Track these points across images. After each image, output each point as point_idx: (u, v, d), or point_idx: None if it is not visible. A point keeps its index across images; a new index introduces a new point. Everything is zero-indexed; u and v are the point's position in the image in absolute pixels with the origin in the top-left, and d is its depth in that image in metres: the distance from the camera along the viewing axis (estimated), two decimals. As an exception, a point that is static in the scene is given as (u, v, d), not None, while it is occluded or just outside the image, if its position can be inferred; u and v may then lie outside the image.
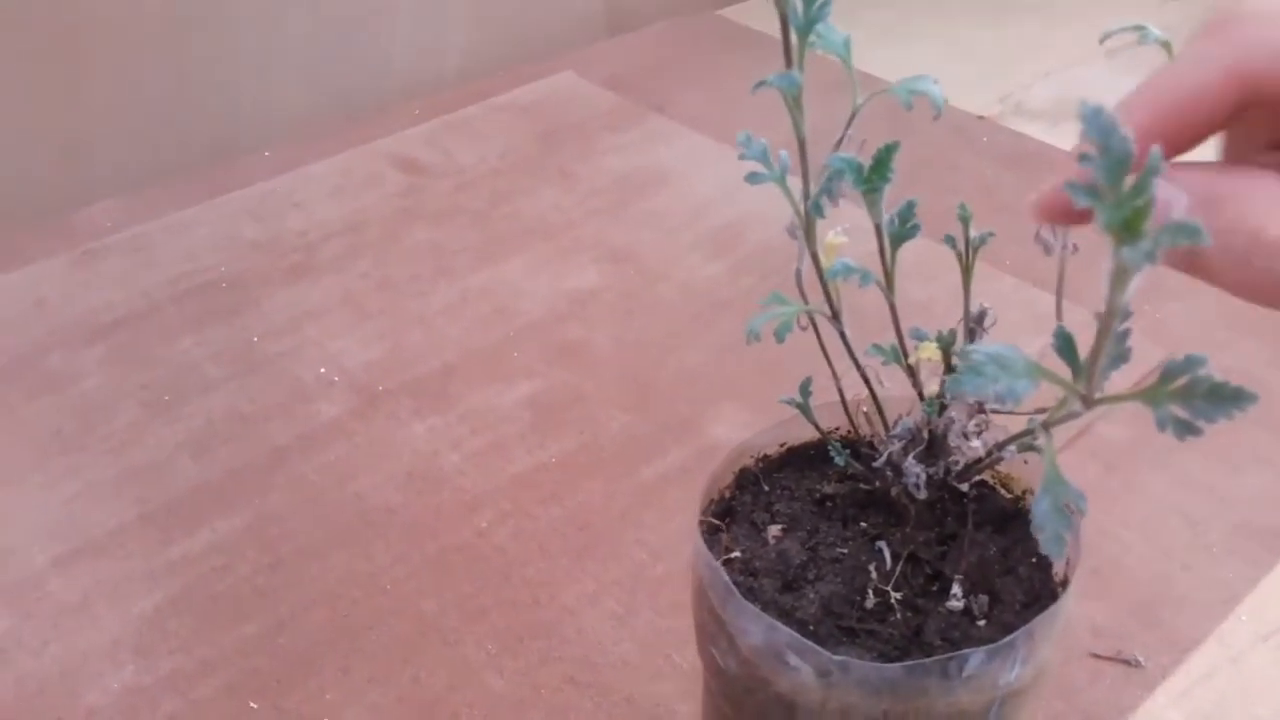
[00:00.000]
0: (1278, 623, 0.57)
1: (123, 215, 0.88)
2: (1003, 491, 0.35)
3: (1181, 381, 0.20)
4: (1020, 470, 0.34)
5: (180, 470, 0.65)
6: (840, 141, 0.28)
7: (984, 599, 0.31)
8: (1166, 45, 0.31)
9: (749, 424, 0.68)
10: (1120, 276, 0.19)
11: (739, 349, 0.74)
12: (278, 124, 1.01)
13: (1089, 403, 0.23)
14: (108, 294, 0.80)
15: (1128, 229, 0.18)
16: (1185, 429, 0.21)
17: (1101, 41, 0.30)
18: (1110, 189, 0.18)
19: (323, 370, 0.73)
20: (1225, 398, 0.20)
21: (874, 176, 0.26)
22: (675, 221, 0.87)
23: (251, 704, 0.53)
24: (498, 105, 1.03)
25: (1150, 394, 0.21)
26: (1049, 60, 1.11)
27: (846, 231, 0.28)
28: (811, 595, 0.30)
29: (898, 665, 0.27)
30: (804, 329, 0.30)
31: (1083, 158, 0.18)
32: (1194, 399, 0.20)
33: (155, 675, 0.54)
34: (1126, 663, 0.55)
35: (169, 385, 0.72)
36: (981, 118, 1.00)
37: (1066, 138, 0.97)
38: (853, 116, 0.28)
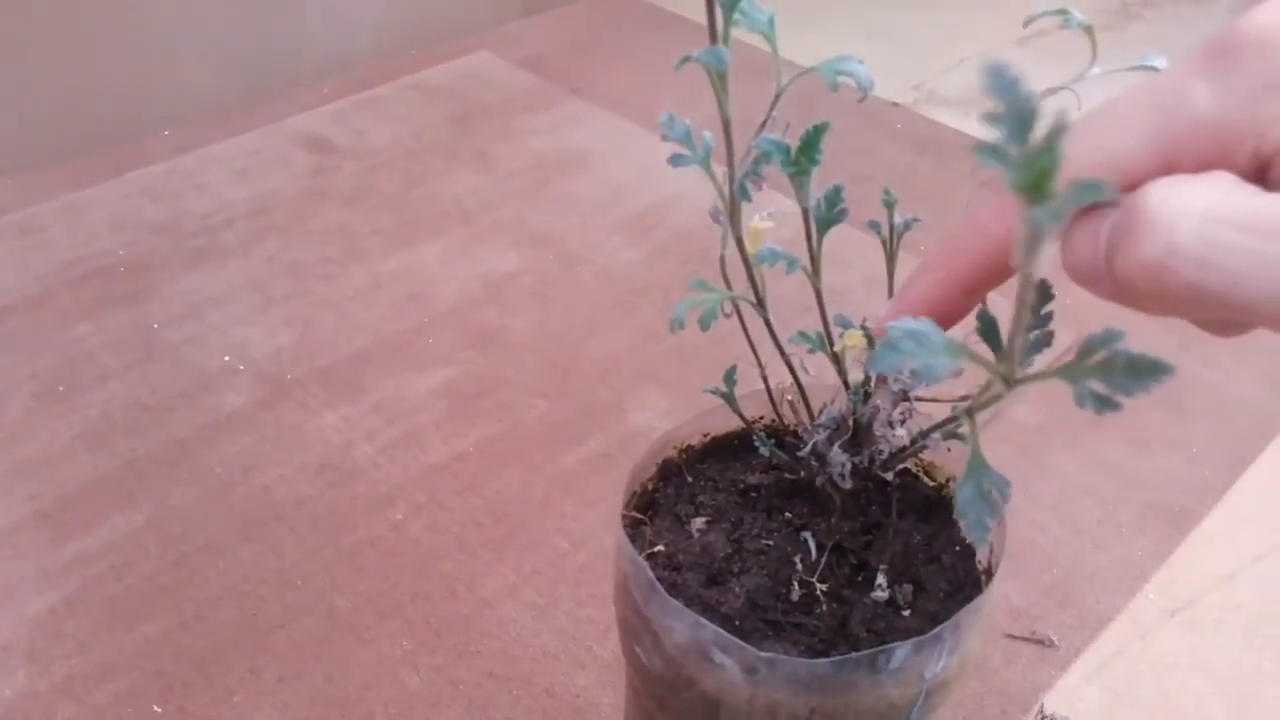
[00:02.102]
0: (1185, 598, 0.59)
1: (14, 196, 0.84)
2: (926, 480, 0.34)
3: (1099, 356, 0.20)
4: (943, 458, 0.34)
5: (76, 464, 0.62)
6: (764, 123, 0.27)
7: (909, 588, 0.31)
8: (1088, 30, 0.31)
9: (670, 410, 0.67)
10: (1031, 240, 0.19)
11: (659, 334, 0.73)
12: (181, 103, 0.97)
13: (1010, 383, 0.23)
14: (-4, 279, 0.76)
15: (1036, 188, 0.18)
16: (1103, 404, 0.20)
17: (1025, 25, 0.30)
18: (1016, 148, 0.17)
19: (227, 358, 0.70)
20: (1143, 370, 0.19)
21: (802, 158, 0.25)
22: (594, 205, 0.85)
23: (155, 708, 0.51)
24: (411, 84, 1.00)
25: (1069, 370, 0.20)
26: (962, 48, 1.12)
27: (771, 216, 0.28)
28: (737, 589, 0.30)
29: (825, 660, 0.26)
30: (728, 316, 0.29)
31: (987, 116, 0.18)
32: (1113, 373, 0.20)
33: (50, 680, 0.52)
34: (1041, 642, 0.56)
35: (63, 375, 0.68)
36: (895, 104, 1.01)
37: (979, 125, 0.98)
38: (777, 97, 0.27)
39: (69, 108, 0.92)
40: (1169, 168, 0.22)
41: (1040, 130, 0.17)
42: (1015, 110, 0.17)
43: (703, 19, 0.24)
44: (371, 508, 0.61)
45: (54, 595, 0.55)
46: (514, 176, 0.88)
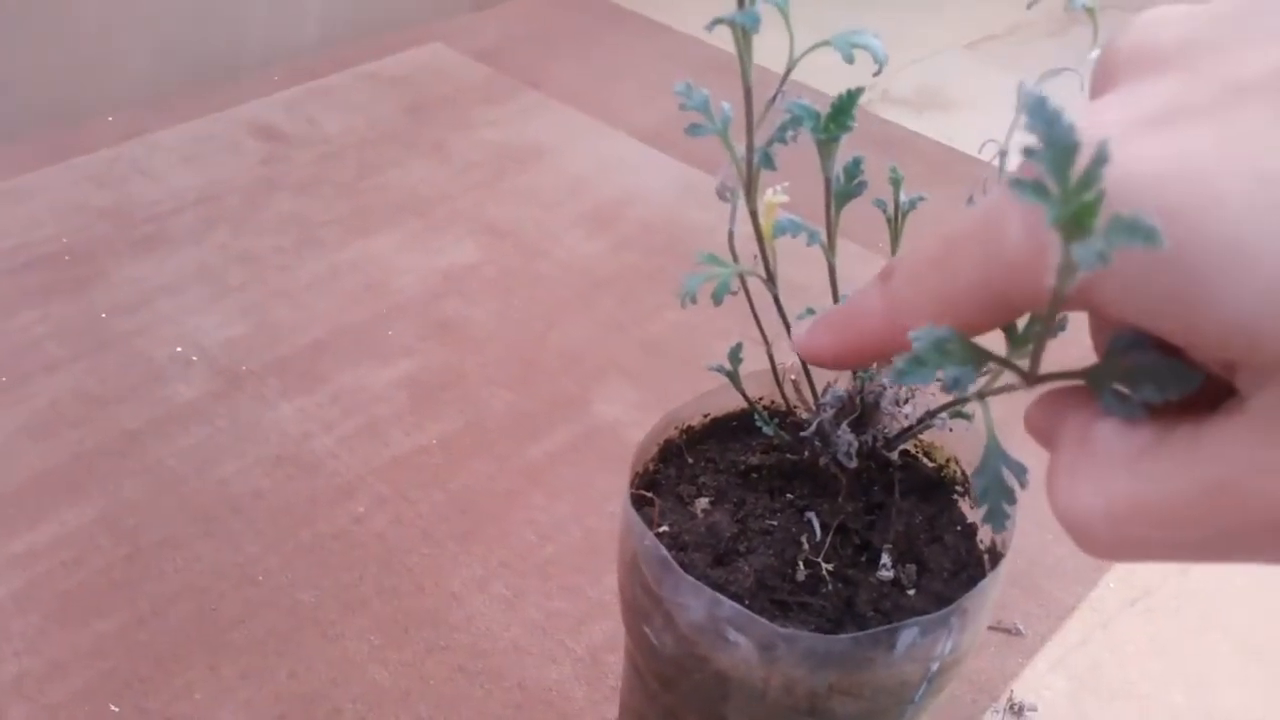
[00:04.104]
0: (1143, 588, 0.60)
1: (-53, 180, 0.80)
2: (925, 460, 0.34)
3: (1126, 361, 0.20)
4: (943, 439, 0.34)
5: (20, 456, 0.60)
6: (775, 97, 0.27)
7: (912, 568, 0.31)
8: (1090, 11, 0.31)
9: (636, 402, 0.67)
10: (1066, 274, 0.18)
11: (623, 327, 0.73)
12: (123, 88, 0.94)
13: (1031, 380, 0.22)
14: (-69, 265, 0.73)
15: (1077, 224, 0.17)
16: (1130, 409, 0.20)
17: (1029, 7, 0.30)
18: (1057, 183, 0.17)
19: (179, 349, 0.68)
20: (1170, 377, 0.19)
21: (832, 125, 0.25)
22: (553, 197, 0.85)
23: (112, 706, 0.49)
24: (364, 74, 0.98)
25: (1094, 373, 0.20)
26: (913, 50, 1.13)
27: (785, 190, 0.27)
28: (745, 569, 0.29)
29: (845, 636, 0.26)
30: (734, 293, 0.29)
31: (1027, 151, 0.17)
32: (1139, 378, 0.19)
33: (-2, 680, 0.50)
34: (1008, 631, 0.57)
35: (6, 364, 0.66)
36: (851, 102, 1.02)
37: (931, 124, 0.99)
38: (789, 69, 0.27)
39: (5, 92, 0.88)
40: (1003, 316, 0.21)
41: (1081, 165, 0.17)
42: (1056, 144, 0.17)
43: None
44: (332, 501, 0.59)
45: (1, 591, 0.53)
46: (471, 168, 0.87)
